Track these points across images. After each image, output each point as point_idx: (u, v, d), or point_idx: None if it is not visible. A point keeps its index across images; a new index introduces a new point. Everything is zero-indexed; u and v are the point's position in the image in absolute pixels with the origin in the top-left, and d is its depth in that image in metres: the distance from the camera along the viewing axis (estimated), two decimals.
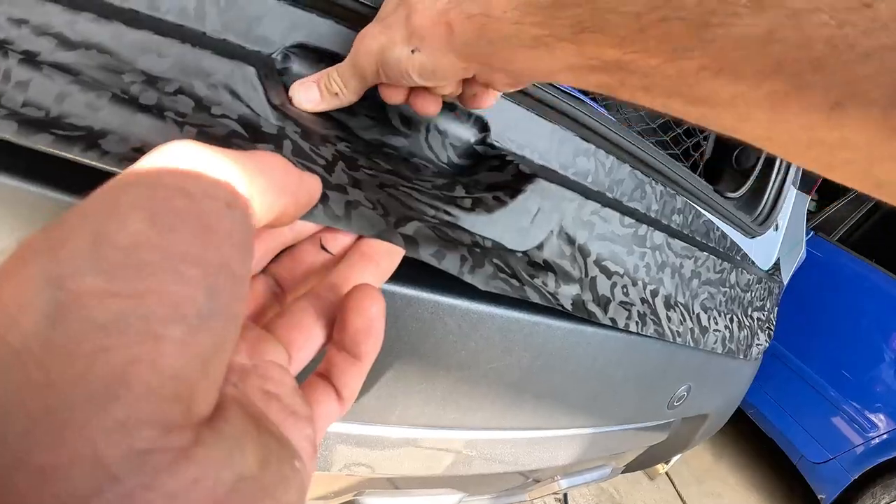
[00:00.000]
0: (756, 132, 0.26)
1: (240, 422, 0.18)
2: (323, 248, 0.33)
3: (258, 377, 0.23)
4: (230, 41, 0.43)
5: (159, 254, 0.16)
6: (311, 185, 0.27)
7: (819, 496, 2.62)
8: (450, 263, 0.40)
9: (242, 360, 0.24)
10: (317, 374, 0.28)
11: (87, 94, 0.35)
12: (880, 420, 2.42)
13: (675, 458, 1.29)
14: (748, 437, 3.14)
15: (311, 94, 0.43)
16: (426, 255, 0.38)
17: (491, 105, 0.44)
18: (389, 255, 0.34)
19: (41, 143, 0.33)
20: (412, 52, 0.36)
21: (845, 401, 2.53)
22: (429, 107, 0.41)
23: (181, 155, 0.20)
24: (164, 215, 0.17)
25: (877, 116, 0.21)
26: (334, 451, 0.54)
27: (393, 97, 0.42)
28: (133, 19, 0.38)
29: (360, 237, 0.35)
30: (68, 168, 0.34)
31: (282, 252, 0.32)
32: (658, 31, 0.26)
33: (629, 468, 1.14)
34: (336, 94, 0.42)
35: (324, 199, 0.33)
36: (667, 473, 2.61)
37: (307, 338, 0.28)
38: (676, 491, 2.56)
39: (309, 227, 0.33)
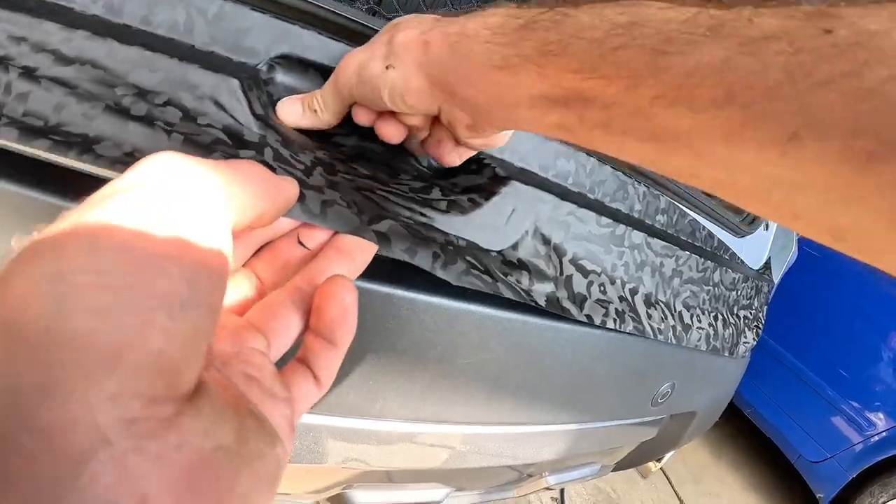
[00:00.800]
0: (715, 174, 0.26)
1: (219, 401, 0.20)
2: (300, 243, 0.35)
3: (240, 362, 0.26)
4: (217, 53, 0.45)
5: (144, 254, 0.19)
6: (288, 189, 0.29)
7: (817, 495, 2.62)
8: (422, 259, 0.42)
9: (225, 347, 0.26)
10: (296, 359, 0.30)
11: (82, 105, 0.37)
12: (878, 418, 2.42)
13: (666, 457, 1.30)
14: (746, 436, 3.14)
15: (295, 109, 0.45)
16: (398, 250, 0.40)
17: (453, 162, 0.45)
18: (363, 250, 0.36)
19: (40, 147, 0.35)
20: (387, 68, 0.38)
21: (843, 400, 2.53)
22: (392, 132, 0.42)
23: (163, 166, 0.22)
24: (146, 221, 0.20)
25: (836, 149, 0.20)
26: (320, 444, 0.56)
27: (361, 117, 0.43)
28: (125, 36, 0.40)
29: (335, 234, 0.37)
30: (64, 176, 0.36)
31: (262, 248, 0.34)
32: (616, 57, 0.27)
33: (620, 465, 1.15)
34: (315, 111, 0.44)
35: (301, 198, 0.35)
36: (664, 472, 2.61)
37: (285, 326, 0.30)
38: (674, 490, 2.57)
39: (287, 224, 0.35)
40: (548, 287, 0.52)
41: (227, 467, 0.19)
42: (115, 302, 0.17)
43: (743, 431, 3.14)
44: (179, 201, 0.21)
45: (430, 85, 0.37)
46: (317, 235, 0.36)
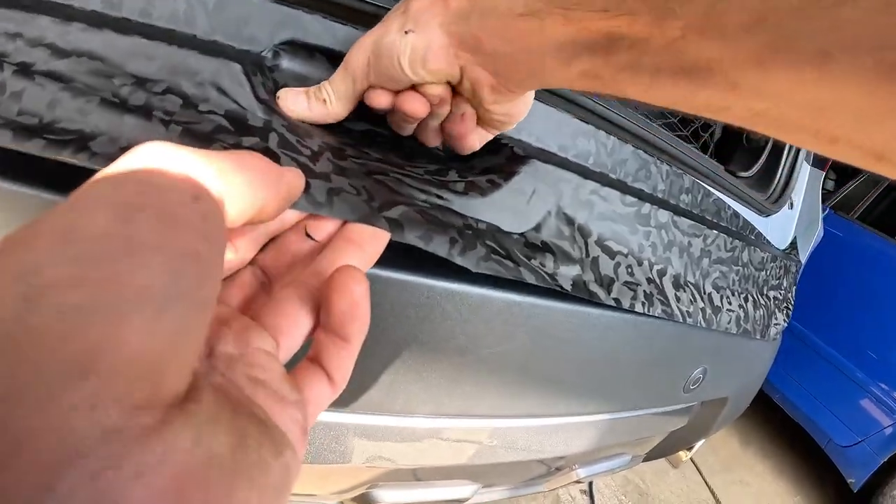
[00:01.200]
0: (748, 104, 0.26)
1: (213, 405, 0.19)
2: (308, 235, 0.33)
3: (245, 365, 0.24)
4: (220, 42, 0.43)
5: (124, 243, 0.17)
6: (292, 180, 0.28)
7: (849, 480, 2.56)
8: (438, 245, 0.40)
9: (229, 349, 0.25)
10: (307, 359, 0.29)
11: (76, 100, 0.36)
12: None
13: (697, 445, 1.27)
14: (775, 423, 3.10)
15: (299, 100, 0.42)
16: (412, 237, 0.38)
17: (473, 145, 0.43)
18: (374, 239, 0.35)
19: (34, 148, 0.34)
20: (406, 33, 0.36)
21: (872, 382, 2.48)
22: (416, 106, 0.40)
23: (151, 154, 0.21)
24: (129, 208, 0.18)
25: (868, 64, 0.20)
26: (343, 443, 0.55)
27: (379, 99, 0.40)
28: (123, 27, 0.39)
29: (344, 223, 0.35)
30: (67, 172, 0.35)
31: (268, 243, 0.33)
32: None
33: (650, 456, 1.12)
34: (324, 100, 0.42)
35: (305, 187, 0.33)
36: (693, 462, 2.58)
37: (293, 324, 0.28)
38: (703, 479, 2.53)
39: (293, 216, 0.34)
40: (573, 270, 0.50)
41: (222, 480, 0.17)
42: (89, 298, 0.16)
43: (771, 418, 3.09)
44: (166, 189, 0.20)
45: (453, 43, 0.36)
46: (325, 226, 0.34)
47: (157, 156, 0.21)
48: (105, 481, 0.14)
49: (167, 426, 0.16)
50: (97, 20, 0.39)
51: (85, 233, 0.17)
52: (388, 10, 0.47)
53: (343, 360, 0.28)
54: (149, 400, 0.16)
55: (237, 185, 0.23)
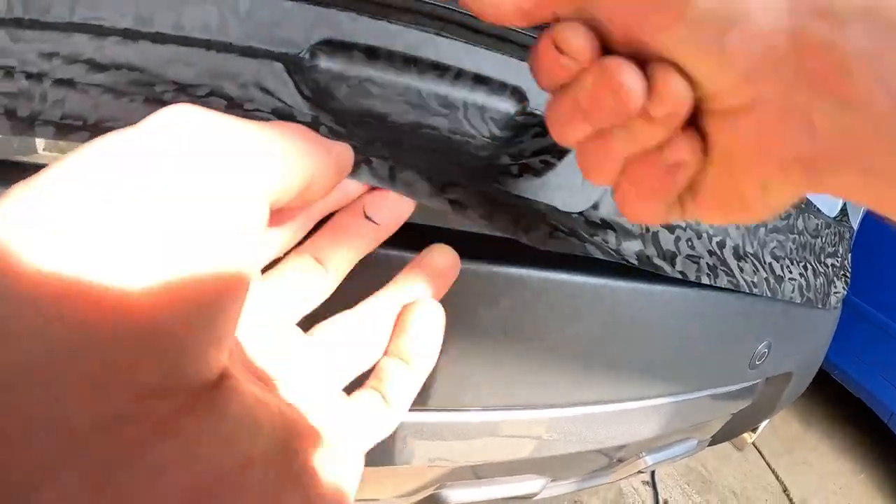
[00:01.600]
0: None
1: (254, 401, 0.16)
2: (366, 217, 0.31)
3: (293, 375, 0.23)
4: (256, 48, 0.43)
5: (124, 190, 0.14)
6: (342, 152, 0.25)
7: None
8: (502, 225, 0.39)
9: (274, 360, 0.23)
10: (367, 384, 0.27)
11: (120, 101, 0.36)
12: None
13: (761, 426, 1.23)
14: (835, 401, 2.99)
15: None
16: (475, 216, 0.37)
17: None
18: (442, 275, 0.32)
19: (78, 140, 0.34)
20: None
21: None
22: None
23: (178, 114, 0.18)
24: (135, 156, 0.15)
25: None
26: (409, 443, 0.54)
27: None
28: (159, 38, 0.39)
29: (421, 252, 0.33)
30: None
31: (320, 223, 0.30)
32: None
33: (715, 440, 1.09)
34: None
35: (367, 161, 0.32)
36: (755, 445, 2.51)
37: (355, 347, 0.27)
38: (766, 463, 2.46)
39: (357, 188, 0.32)
40: (636, 245, 0.49)
41: (259, 485, 0.14)
42: (81, 256, 0.13)
43: (832, 397, 2.98)
44: (188, 141, 0.17)
45: None
46: (385, 207, 0.32)
47: (185, 115, 0.18)
48: (114, 483, 0.11)
49: (189, 417, 0.13)
50: (131, 33, 0.39)
51: (77, 183, 0.14)
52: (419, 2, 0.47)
53: (405, 388, 0.27)
54: (164, 383, 0.13)
55: (279, 152, 0.20)
